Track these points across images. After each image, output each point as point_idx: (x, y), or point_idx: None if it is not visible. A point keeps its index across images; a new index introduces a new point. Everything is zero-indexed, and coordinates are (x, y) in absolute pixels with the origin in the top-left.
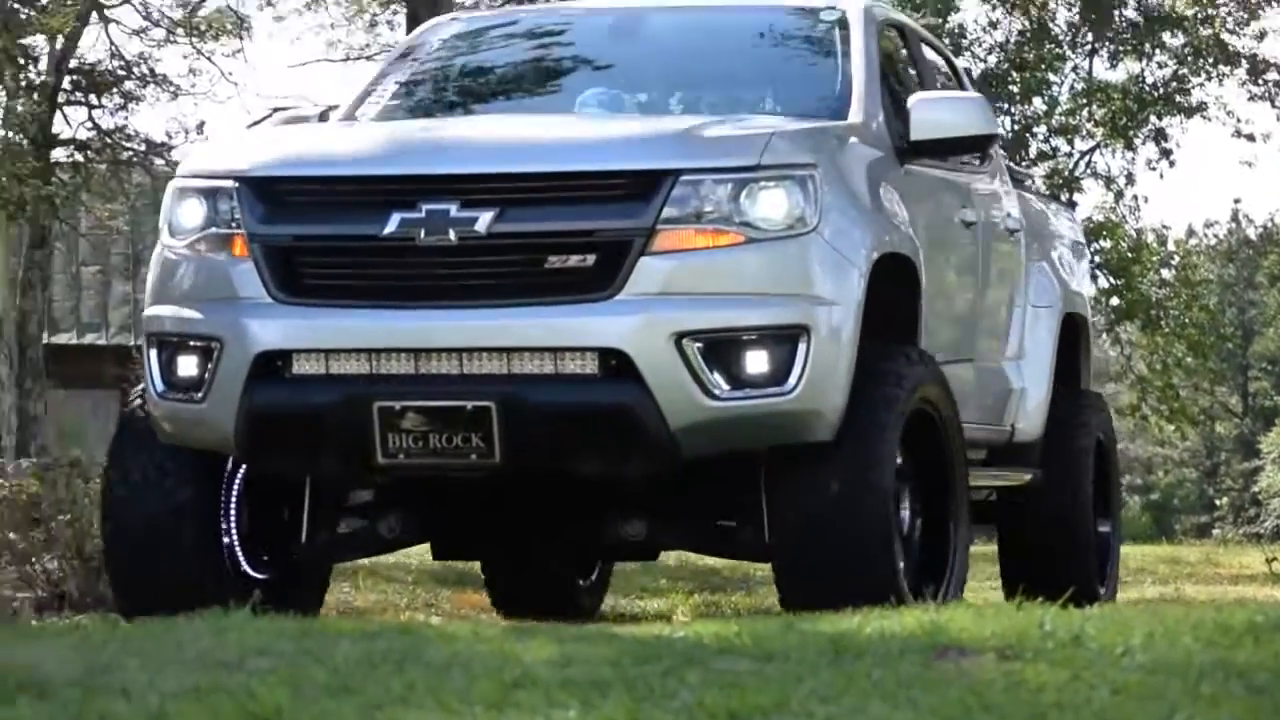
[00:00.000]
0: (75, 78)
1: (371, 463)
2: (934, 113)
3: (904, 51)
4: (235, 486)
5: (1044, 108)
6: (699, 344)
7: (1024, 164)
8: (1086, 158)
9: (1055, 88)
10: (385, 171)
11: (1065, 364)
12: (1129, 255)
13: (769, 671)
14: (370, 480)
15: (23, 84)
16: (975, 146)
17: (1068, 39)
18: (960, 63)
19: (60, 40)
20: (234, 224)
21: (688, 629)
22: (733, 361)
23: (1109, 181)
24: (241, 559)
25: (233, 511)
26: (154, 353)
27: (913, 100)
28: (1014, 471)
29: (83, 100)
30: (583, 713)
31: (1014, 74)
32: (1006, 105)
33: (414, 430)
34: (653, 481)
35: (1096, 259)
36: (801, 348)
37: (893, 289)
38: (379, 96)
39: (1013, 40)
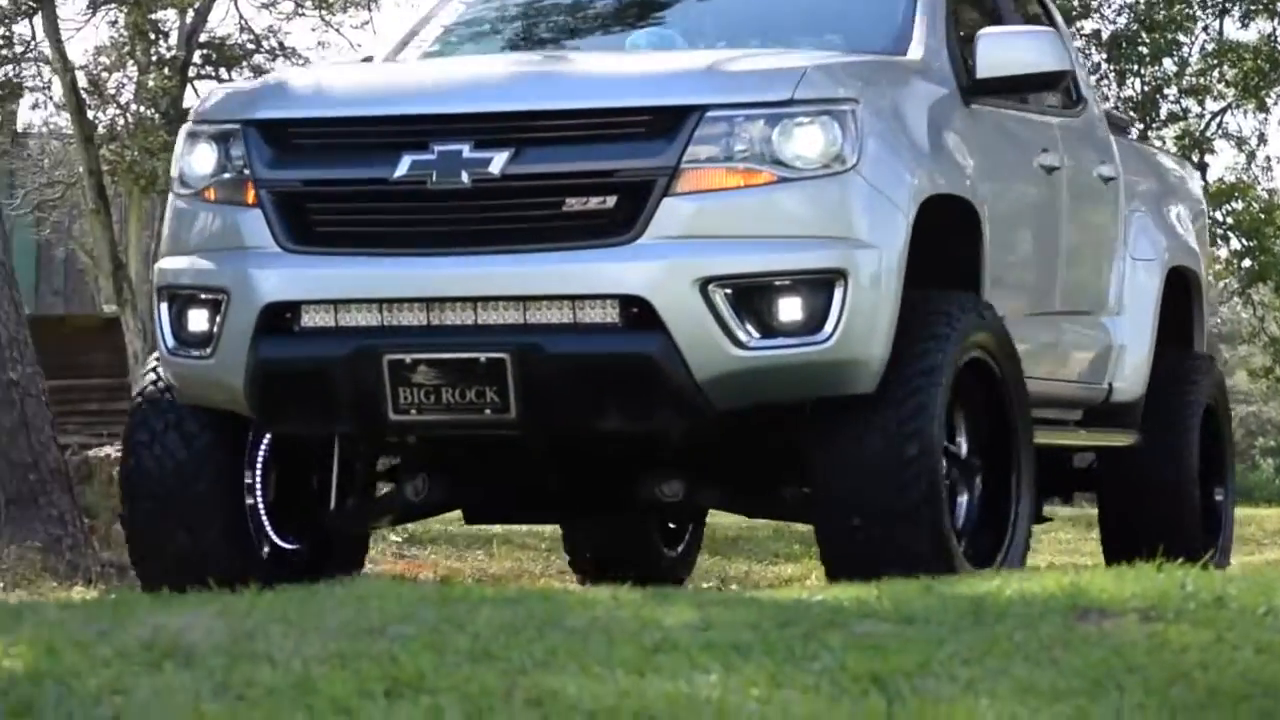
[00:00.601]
0: (205, 52)
1: (383, 420)
2: (1001, 48)
3: None
4: (261, 451)
5: (1174, 69)
6: (727, 290)
7: (1155, 126)
8: (1218, 119)
9: (1186, 48)
10: (395, 111)
11: (1175, 323)
12: (1261, 217)
13: (910, 634)
14: (385, 439)
15: (154, 59)
16: (1046, 84)
17: None
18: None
19: (190, 15)
20: (244, 170)
21: (826, 592)
22: (763, 309)
23: (1240, 142)
24: (269, 528)
25: (258, 478)
26: (164, 306)
27: (980, 35)
28: (1112, 432)
29: (213, 74)
30: (724, 676)
31: (1144, 35)
32: (1136, 66)
33: (426, 384)
34: (691, 438)
35: (1228, 221)
36: (838, 293)
37: (950, 234)
38: (421, 40)
39: (1142, 1)
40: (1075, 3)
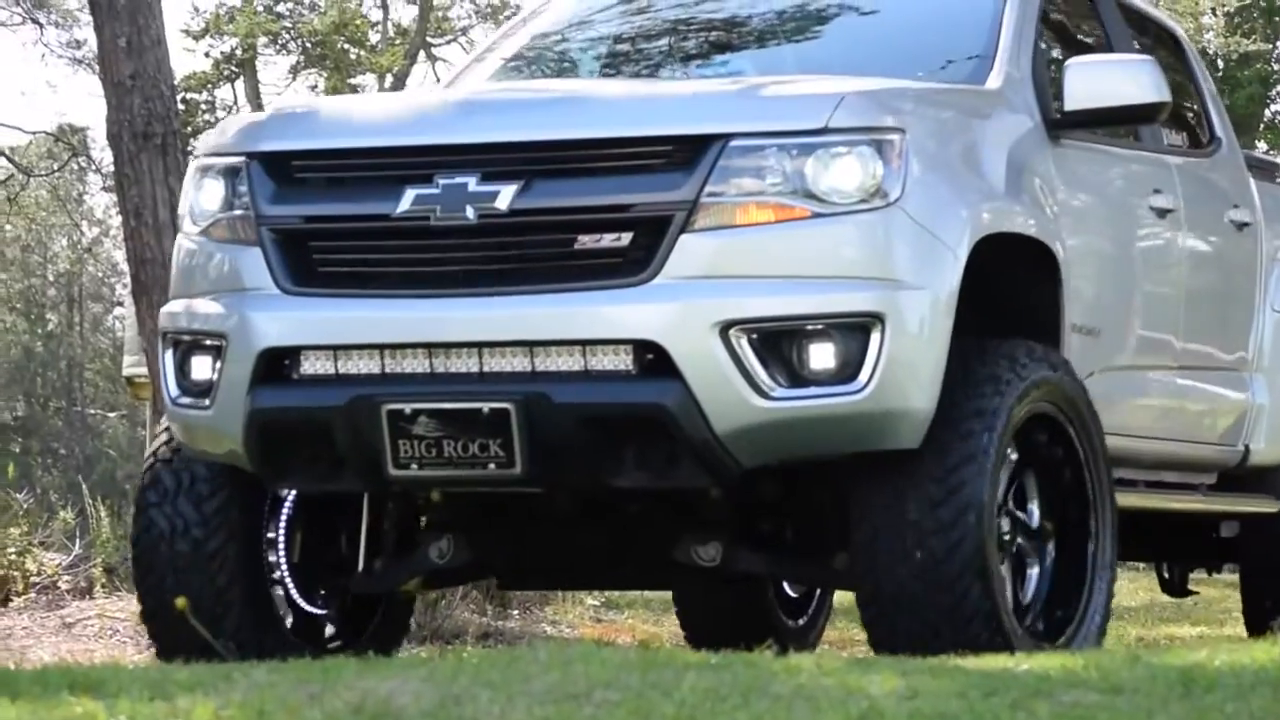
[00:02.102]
0: None
1: (382, 475)
2: (1090, 79)
3: (1088, 11)
4: (285, 508)
5: None
6: (751, 334)
7: None
8: None
9: None
10: (399, 142)
11: None
12: None
13: (1119, 705)
14: (393, 495)
15: None
16: (1141, 117)
17: None
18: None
19: (389, 79)
20: (248, 206)
21: (1032, 661)
22: (791, 355)
23: None
24: (295, 592)
25: (281, 537)
26: (169, 354)
27: (1068, 65)
28: (1248, 499)
29: None
30: None
31: None
32: None
33: (427, 437)
34: (730, 496)
35: None
36: (875, 339)
37: (1024, 280)
38: (479, 71)
39: None
40: (1276, 67)
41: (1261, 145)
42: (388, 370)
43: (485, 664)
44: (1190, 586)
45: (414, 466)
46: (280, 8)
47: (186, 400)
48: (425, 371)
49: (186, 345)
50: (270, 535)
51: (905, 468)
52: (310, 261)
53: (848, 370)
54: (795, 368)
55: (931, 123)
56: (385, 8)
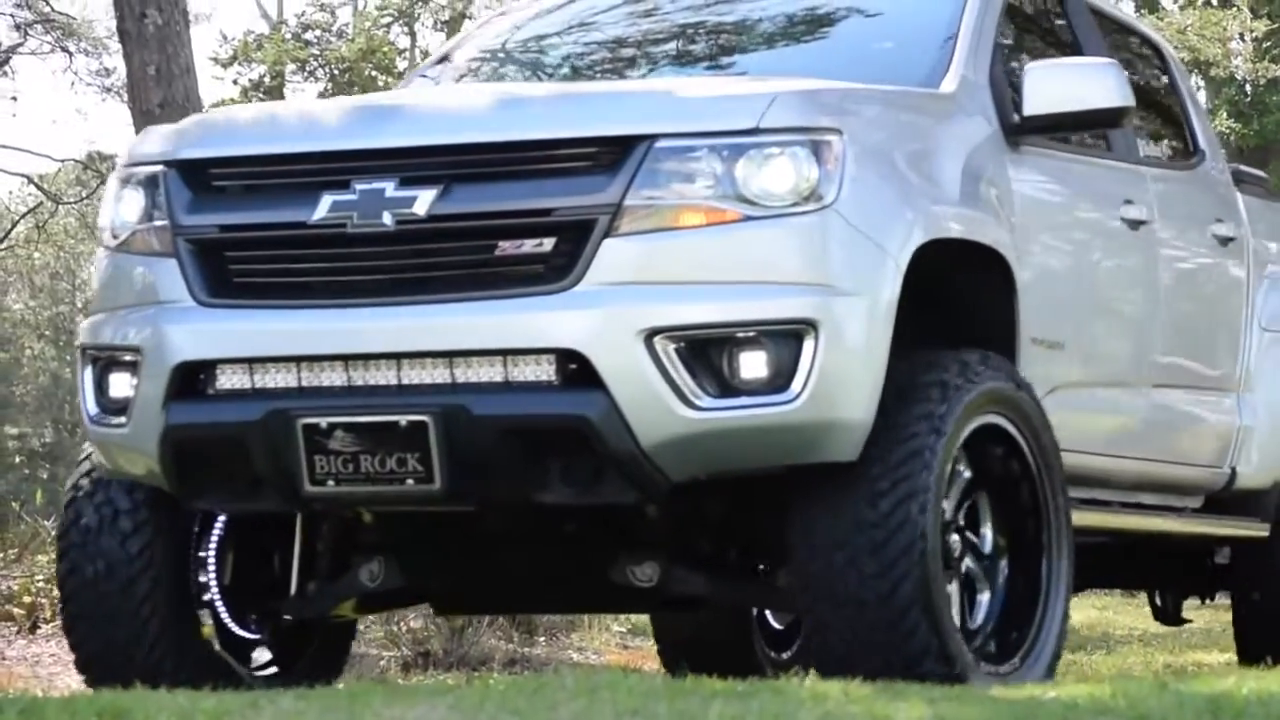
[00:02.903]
0: None
1: (299, 492)
2: (1050, 82)
3: (1057, 18)
4: (215, 529)
5: None
6: (677, 343)
7: None
8: None
9: None
10: (317, 147)
11: None
12: None
13: None
14: (326, 515)
15: None
16: (1104, 121)
17: None
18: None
19: None
20: (165, 217)
21: (1060, 690)
22: (720, 364)
23: None
24: (226, 617)
25: (211, 559)
26: (88, 371)
27: (1027, 69)
28: (1235, 522)
29: None
30: None
31: None
32: None
33: (343, 452)
34: (670, 515)
35: None
36: (808, 347)
37: (979, 289)
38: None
39: None
40: None
41: None
42: (304, 384)
43: (511, 691)
44: (1213, 612)
45: (331, 483)
46: (308, 35)
47: (104, 418)
48: (342, 384)
49: (104, 362)
50: (201, 554)
51: (848, 483)
52: (227, 272)
53: (779, 380)
54: (725, 377)
55: (873, 125)
56: (413, 35)
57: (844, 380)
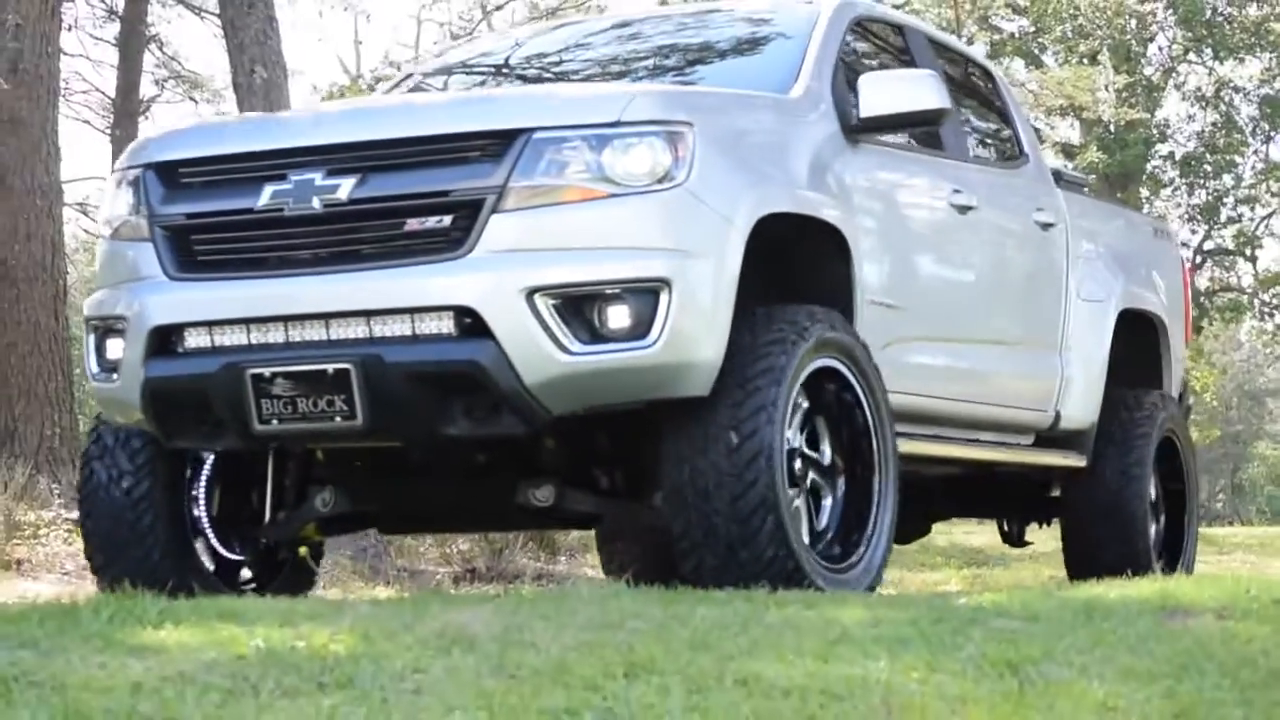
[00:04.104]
0: None
1: (250, 430)
2: (880, 88)
3: (899, 45)
4: (205, 469)
5: (1231, 183)
6: (553, 299)
7: (1218, 226)
8: (1266, 222)
9: (1240, 167)
10: (261, 147)
11: (1140, 364)
12: None
13: (1035, 630)
14: (257, 447)
15: None
16: (927, 121)
17: (1250, 129)
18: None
19: None
20: (144, 208)
21: (968, 597)
22: (590, 316)
23: None
24: (215, 542)
25: (202, 493)
26: (91, 338)
27: (861, 79)
28: (1059, 454)
29: None
30: (890, 662)
31: (1208, 156)
32: (1203, 180)
33: (284, 396)
34: (566, 446)
35: (1275, 300)
36: (663, 300)
37: (819, 258)
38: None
39: (1206, 130)
40: (1155, 131)
41: (1144, 192)
42: (253, 341)
43: (540, 600)
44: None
45: (275, 422)
46: (380, 86)
47: (102, 376)
48: (282, 341)
49: (102, 330)
50: (194, 493)
51: (707, 418)
52: (192, 252)
53: (640, 328)
54: (594, 327)
55: (722, 120)
56: None
57: (695, 328)
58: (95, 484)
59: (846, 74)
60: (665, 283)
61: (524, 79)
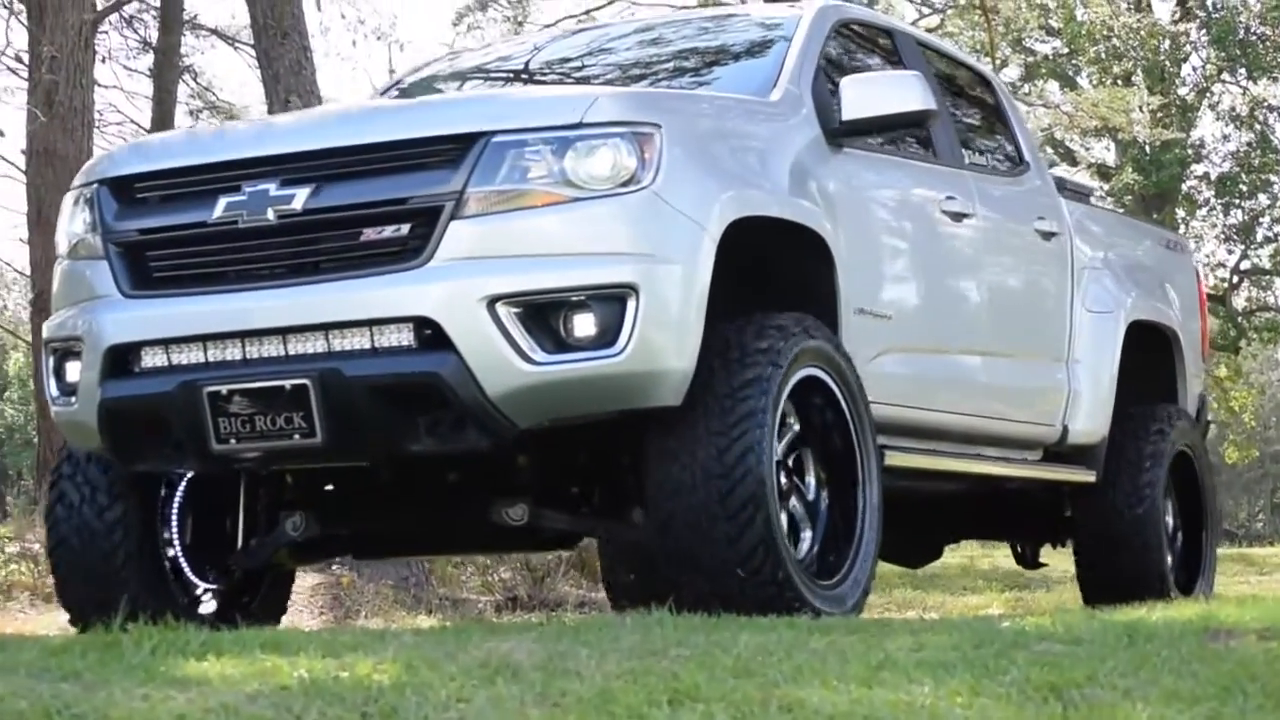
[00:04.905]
0: None
1: (208, 450)
2: (862, 91)
3: (887, 49)
4: (177, 496)
5: (1267, 202)
6: (515, 308)
7: (1254, 246)
8: None
9: (1275, 186)
10: (214, 159)
11: (1154, 378)
12: None
13: (1079, 653)
14: (215, 469)
15: None
16: (912, 123)
17: None
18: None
19: None
20: (99, 226)
21: (1011, 620)
22: (555, 324)
23: None
24: (187, 569)
25: (174, 522)
26: (50, 360)
27: (843, 81)
28: (1067, 470)
29: None
30: (935, 687)
31: (1244, 176)
32: (1239, 200)
33: (241, 414)
34: (538, 463)
35: None
36: (631, 307)
37: (801, 265)
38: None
39: (1241, 150)
40: (1190, 151)
41: (1180, 212)
42: (210, 358)
43: (583, 628)
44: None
45: (233, 441)
46: None
47: (62, 400)
48: (239, 358)
49: (60, 352)
50: (165, 518)
51: (693, 429)
52: (147, 268)
53: (607, 336)
54: (560, 335)
55: (693, 122)
56: None
57: (664, 335)
58: (64, 510)
59: (831, 78)
60: (632, 289)
61: (501, 83)
